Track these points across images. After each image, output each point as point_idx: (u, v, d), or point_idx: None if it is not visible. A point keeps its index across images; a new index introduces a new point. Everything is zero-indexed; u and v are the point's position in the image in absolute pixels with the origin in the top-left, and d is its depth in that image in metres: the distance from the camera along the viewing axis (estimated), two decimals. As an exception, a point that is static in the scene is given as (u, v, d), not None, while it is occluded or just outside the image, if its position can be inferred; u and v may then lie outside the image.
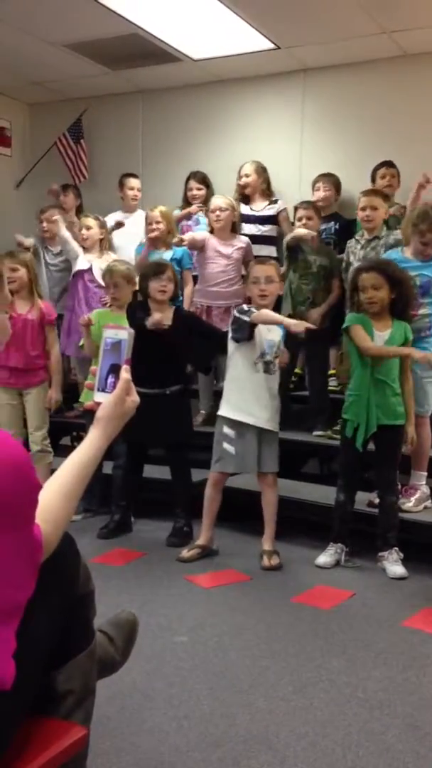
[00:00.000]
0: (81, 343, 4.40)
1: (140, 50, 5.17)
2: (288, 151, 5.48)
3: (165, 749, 2.00)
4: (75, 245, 4.99)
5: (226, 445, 3.59)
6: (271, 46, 5.03)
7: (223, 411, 3.64)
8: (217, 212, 4.66)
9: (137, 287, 4.15)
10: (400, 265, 3.69)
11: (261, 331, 3.55)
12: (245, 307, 3.59)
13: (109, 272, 4.25)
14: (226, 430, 3.60)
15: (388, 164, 4.83)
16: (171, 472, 4.02)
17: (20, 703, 1.27)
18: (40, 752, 1.29)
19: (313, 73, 5.44)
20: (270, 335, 3.57)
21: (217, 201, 4.74)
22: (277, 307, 3.94)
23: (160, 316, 3.74)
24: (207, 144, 5.79)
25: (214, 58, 5.31)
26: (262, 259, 3.87)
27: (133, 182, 5.51)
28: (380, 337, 3.45)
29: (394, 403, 3.45)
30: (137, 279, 4.17)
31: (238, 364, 3.61)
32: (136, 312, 3.87)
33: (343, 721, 2.16)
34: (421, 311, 3.70)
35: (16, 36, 5.00)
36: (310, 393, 4.68)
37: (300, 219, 4.60)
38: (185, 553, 3.61)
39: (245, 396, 3.58)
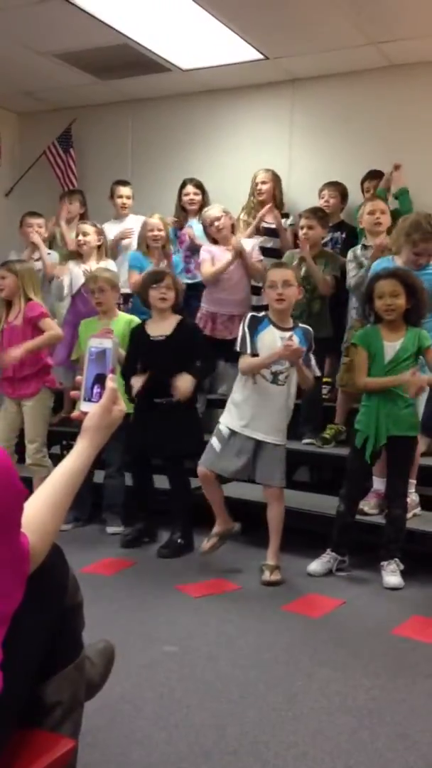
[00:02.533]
0: (74, 357, 4.41)
1: (130, 60, 5.20)
2: (277, 161, 5.48)
3: (154, 760, 1.99)
4: (64, 281, 4.95)
5: (214, 440, 3.55)
6: (260, 56, 5.06)
7: (223, 418, 3.59)
8: (215, 223, 4.63)
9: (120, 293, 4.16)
10: None
11: (269, 341, 3.44)
12: (246, 327, 3.46)
13: (93, 278, 4.26)
14: (222, 427, 3.55)
15: (371, 175, 4.88)
16: (169, 483, 3.95)
17: (8, 715, 1.26)
18: (28, 765, 1.28)
19: (301, 84, 5.47)
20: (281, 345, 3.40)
21: (211, 212, 4.70)
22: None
23: (138, 385, 3.69)
24: (196, 153, 5.80)
25: (204, 69, 5.33)
26: (279, 263, 3.78)
27: (123, 190, 5.50)
28: (391, 347, 3.42)
29: (406, 414, 3.41)
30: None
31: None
32: (135, 337, 3.87)
33: (334, 731, 2.16)
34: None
35: (6, 46, 5.01)
36: (302, 401, 4.67)
37: (302, 228, 4.55)
38: (205, 544, 3.59)
39: (246, 405, 3.49)
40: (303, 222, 4.53)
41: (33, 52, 5.13)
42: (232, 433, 3.51)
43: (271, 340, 3.44)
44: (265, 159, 5.46)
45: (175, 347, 3.77)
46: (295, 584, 3.43)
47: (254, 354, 3.44)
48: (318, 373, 3.49)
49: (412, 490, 3.79)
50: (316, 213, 4.57)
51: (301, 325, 3.55)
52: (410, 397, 3.36)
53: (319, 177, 5.13)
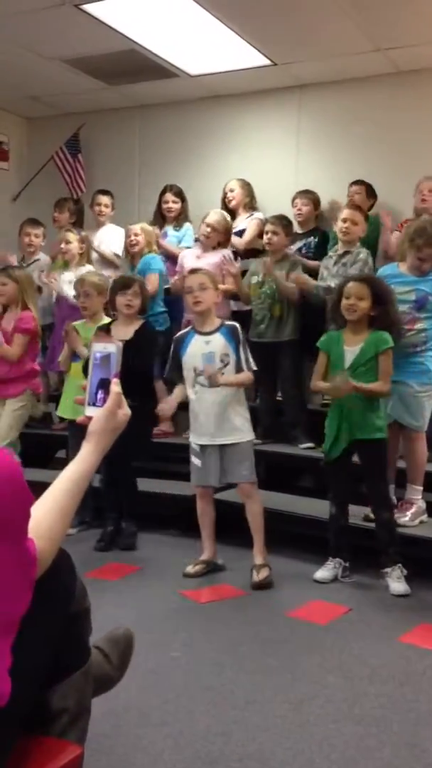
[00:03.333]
0: (60, 358, 4.43)
1: (138, 66, 5.21)
2: (283, 166, 5.51)
3: (160, 767, 1.99)
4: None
5: (193, 458, 3.63)
6: (268, 62, 5.07)
7: (189, 433, 3.70)
8: (209, 229, 4.70)
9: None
10: (396, 279, 3.71)
11: (195, 349, 3.54)
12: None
13: (80, 281, 4.31)
14: (193, 444, 3.63)
15: (355, 182, 4.96)
16: (119, 480, 4.04)
17: (15, 721, 1.26)
18: (35, 771, 1.28)
19: (308, 89, 5.48)
20: (208, 347, 3.53)
21: (212, 217, 4.76)
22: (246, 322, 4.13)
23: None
24: (203, 159, 5.82)
25: (211, 74, 5.35)
26: (194, 270, 3.87)
27: (102, 198, 5.60)
28: (350, 352, 3.46)
29: (370, 417, 3.43)
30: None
31: (186, 388, 3.62)
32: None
33: (340, 738, 2.15)
34: (417, 326, 3.70)
35: (15, 51, 5.03)
36: (285, 405, 4.70)
37: (267, 233, 4.63)
38: (190, 568, 3.59)
39: (195, 418, 3.59)
40: (268, 227, 4.65)
41: (42, 57, 5.15)
42: (200, 446, 3.59)
43: (197, 347, 3.55)
44: (272, 164, 5.49)
45: (133, 351, 3.75)
46: (301, 591, 3.42)
47: (178, 367, 3.60)
48: (253, 368, 3.55)
49: (418, 496, 3.77)
50: (282, 220, 4.68)
51: (226, 323, 3.62)
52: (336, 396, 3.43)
53: (326, 182, 5.15)
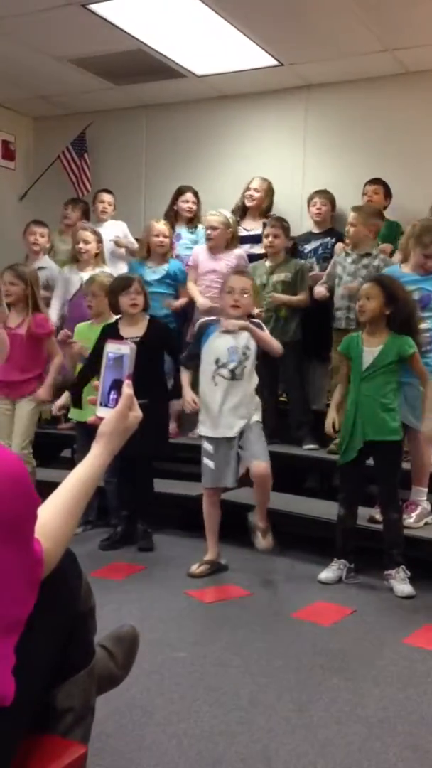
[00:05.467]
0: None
1: (144, 66, 5.22)
2: (290, 167, 5.51)
3: (163, 767, 1.99)
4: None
5: (205, 460, 3.61)
6: (275, 62, 5.07)
7: (200, 429, 3.67)
8: (209, 231, 4.71)
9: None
10: (400, 280, 3.70)
11: (216, 341, 3.57)
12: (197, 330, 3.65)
13: (89, 281, 4.33)
14: (206, 445, 3.62)
15: (372, 181, 4.92)
16: (136, 480, 4.03)
17: (20, 720, 1.26)
18: (40, 770, 1.28)
19: (315, 90, 5.47)
20: (232, 341, 3.55)
21: (209, 219, 4.77)
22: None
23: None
24: (210, 159, 5.82)
25: (218, 74, 5.35)
26: (240, 270, 3.88)
27: (106, 197, 5.61)
28: (370, 353, 3.46)
29: (385, 419, 3.42)
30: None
31: (201, 382, 3.63)
32: (106, 335, 3.85)
33: (344, 740, 2.15)
34: (422, 326, 3.70)
35: (22, 51, 5.05)
36: (289, 406, 4.70)
37: (267, 236, 4.63)
38: (195, 568, 3.58)
39: (212, 412, 3.58)
40: (268, 230, 4.64)
41: (49, 57, 5.16)
42: (214, 445, 3.57)
43: (222, 340, 3.56)
44: (278, 165, 5.48)
45: (149, 347, 3.75)
46: (305, 592, 3.42)
47: (197, 355, 3.62)
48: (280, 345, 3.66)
49: (423, 498, 3.77)
50: (281, 222, 4.67)
51: (252, 319, 3.64)
52: None
53: (333, 183, 5.14)
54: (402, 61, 4.97)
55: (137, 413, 1.49)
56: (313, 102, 5.51)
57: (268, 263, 4.68)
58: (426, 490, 3.78)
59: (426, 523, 3.72)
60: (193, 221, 5.29)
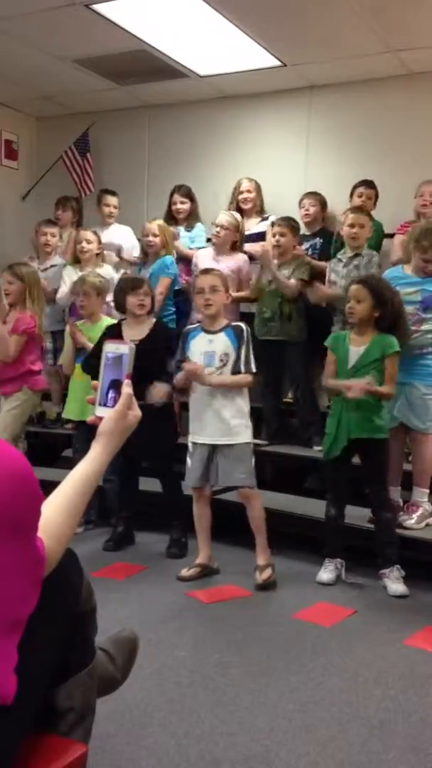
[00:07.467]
0: (61, 359, 4.43)
1: (147, 66, 5.22)
2: (293, 168, 5.50)
3: (164, 767, 1.99)
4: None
5: (187, 459, 3.63)
6: (278, 63, 5.06)
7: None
8: (218, 229, 4.71)
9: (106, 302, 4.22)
10: (401, 281, 3.71)
11: (195, 346, 3.57)
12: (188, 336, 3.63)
13: (81, 281, 4.32)
14: (189, 446, 3.64)
15: (367, 184, 4.90)
16: (161, 484, 4.02)
17: (21, 720, 1.26)
18: (40, 769, 1.28)
19: (318, 91, 5.47)
20: (210, 347, 3.55)
21: (220, 217, 4.76)
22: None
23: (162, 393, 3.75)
24: (213, 159, 5.82)
25: (221, 75, 5.35)
26: (206, 270, 3.86)
27: (111, 199, 5.59)
28: (355, 352, 3.48)
29: (370, 417, 3.43)
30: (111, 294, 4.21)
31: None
32: (107, 335, 3.84)
33: (344, 741, 2.15)
34: (423, 327, 3.70)
35: (26, 50, 5.05)
36: (296, 407, 4.70)
37: (274, 236, 4.62)
38: (185, 572, 3.57)
39: (193, 416, 3.60)
40: (275, 230, 4.63)
41: (52, 57, 5.16)
42: (193, 447, 3.59)
43: (200, 345, 3.58)
44: (281, 165, 5.48)
45: (150, 350, 3.76)
46: (306, 592, 3.42)
47: (181, 361, 3.61)
48: (253, 370, 3.54)
49: (424, 499, 3.77)
50: (289, 221, 4.67)
51: (234, 323, 3.63)
52: (348, 398, 3.39)
53: (336, 183, 5.13)
54: (405, 63, 4.96)
55: (136, 412, 1.48)
56: (316, 103, 5.50)
57: (274, 262, 4.65)
58: (427, 491, 3.77)
59: (427, 525, 3.72)
60: (188, 220, 5.29)
